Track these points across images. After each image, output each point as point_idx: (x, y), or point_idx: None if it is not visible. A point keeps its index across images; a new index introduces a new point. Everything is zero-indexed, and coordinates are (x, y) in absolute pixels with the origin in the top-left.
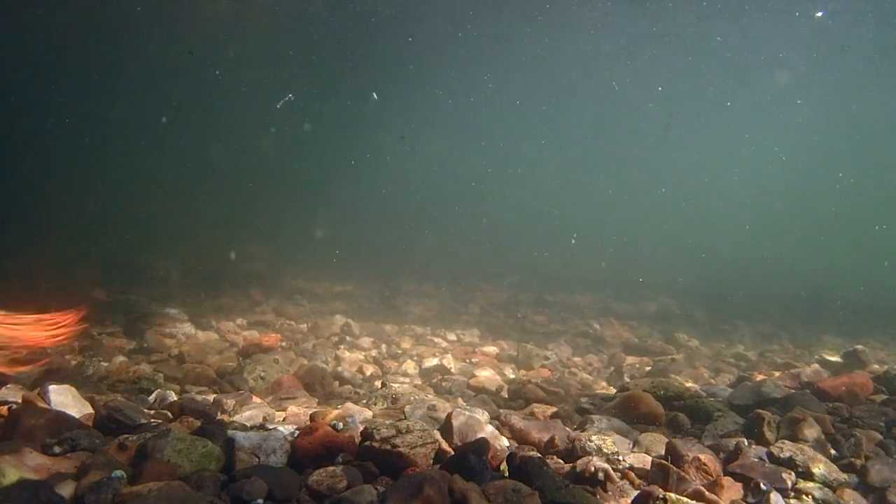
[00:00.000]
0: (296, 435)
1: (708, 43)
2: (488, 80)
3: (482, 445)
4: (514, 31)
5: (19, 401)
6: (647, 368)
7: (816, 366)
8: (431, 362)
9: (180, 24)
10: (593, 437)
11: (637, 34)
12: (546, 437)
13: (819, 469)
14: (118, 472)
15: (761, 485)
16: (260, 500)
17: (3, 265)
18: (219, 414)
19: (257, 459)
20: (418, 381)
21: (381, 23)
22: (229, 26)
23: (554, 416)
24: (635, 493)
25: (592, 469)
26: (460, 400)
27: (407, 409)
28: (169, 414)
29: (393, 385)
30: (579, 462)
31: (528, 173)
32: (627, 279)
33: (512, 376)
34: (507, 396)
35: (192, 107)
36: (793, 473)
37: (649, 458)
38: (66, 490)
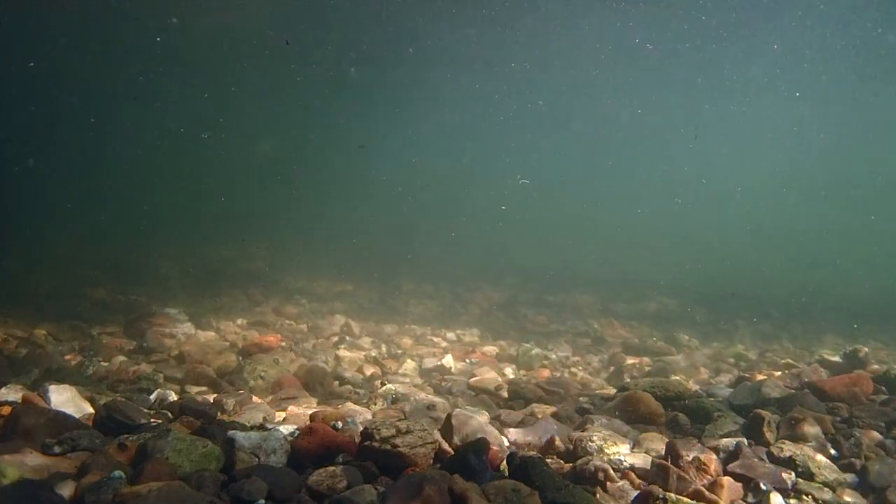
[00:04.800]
0: (296, 435)
1: (710, 43)
2: (488, 80)
3: (482, 445)
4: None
5: (19, 401)
6: (647, 368)
7: (816, 366)
8: (431, 362)
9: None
10: (593, 437)
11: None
12: (546, 437)
13: (819, 469)
14: (118, 473)
15: (761, 485)
16: (260, 501)
17: (3, 265)
18: (219, 414)
19: (257, 459)
20: (418, 381)
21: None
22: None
23: (554, 415)
24: (635, 493)
25: (592, 469)
26: (460, 400)
27: (407, 409)
28: (169, 414)
29: (393, 385)
30: (579, 462)
31: (530, 173)
32: (627, 279)
33: (512, 376)
34: (506, 396)
35: (192, 107)
36: (793, 473)
37: (649, 458)
38: (66, 490)
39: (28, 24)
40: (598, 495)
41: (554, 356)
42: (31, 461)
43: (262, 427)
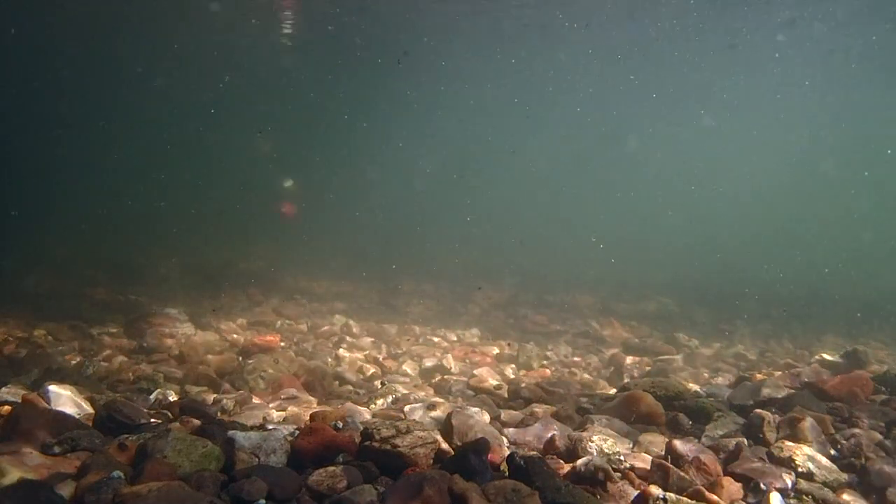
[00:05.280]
0: (296, 435)
1: (711, 41)
2: (487, 79)
3: (482, 445)
4: (512, 26)
5: (19, 401)
6: (647, 368)
7: (816, 366)
8: (431, 362)
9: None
10: (593, 438)
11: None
12: (546, 437)
13: (819, 469)
14: (118, 473)
15: (761, 485)
16: (261, 501)
17: (3, 265)
18: (219, 414)
19: (257, 459)
20: (418, 381)
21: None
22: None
23: (554, 415)
24: (635, 493)
25: (592, 469)
26: (460, 400)
27: (407, 409)
28: (169, 414)
29: (393, 385)
30: (579, 462)
31: (530, 172)
32: (627, 279)
33: (512, 376)
34: (506, 396)
35: (193, 107)
36: (793, 473)
37: (649, 458)
38: (66, 490)
39: (29, 24)
40: (598, 495)
41: (554, 356)
42: (31, 461)
43: (262, 427)
